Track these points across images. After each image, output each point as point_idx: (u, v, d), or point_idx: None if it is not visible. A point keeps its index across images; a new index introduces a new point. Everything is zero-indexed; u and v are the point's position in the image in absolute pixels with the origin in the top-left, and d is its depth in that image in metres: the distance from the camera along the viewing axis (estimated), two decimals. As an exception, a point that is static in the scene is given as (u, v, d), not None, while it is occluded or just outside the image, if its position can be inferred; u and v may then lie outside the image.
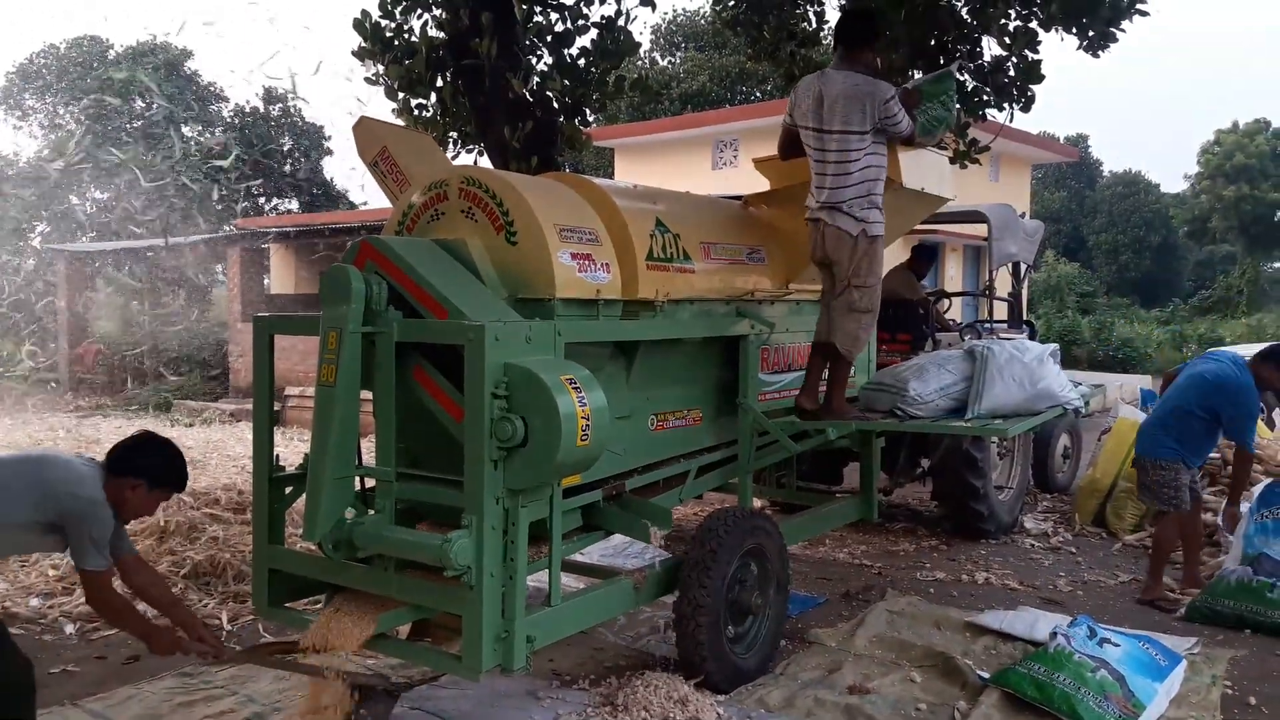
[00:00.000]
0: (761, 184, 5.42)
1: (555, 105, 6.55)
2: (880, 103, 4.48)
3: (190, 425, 13.68)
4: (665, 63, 30.11)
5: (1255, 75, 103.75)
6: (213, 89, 31.77)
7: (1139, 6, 6.58)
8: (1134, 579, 5.92)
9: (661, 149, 20.77)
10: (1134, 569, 6.14)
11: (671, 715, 3.69)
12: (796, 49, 7.83)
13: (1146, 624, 5.08)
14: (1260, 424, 8.90)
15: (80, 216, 27.10)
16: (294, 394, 13.78)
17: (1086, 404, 6.81)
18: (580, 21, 6.69)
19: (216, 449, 10.28)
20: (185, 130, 29.96)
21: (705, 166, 20.01)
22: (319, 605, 3.82)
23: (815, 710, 3.94)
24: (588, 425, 3.18)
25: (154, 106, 28.68)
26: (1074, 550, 6.71)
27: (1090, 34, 6.71)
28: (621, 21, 6.72)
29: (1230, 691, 4.23)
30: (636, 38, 6.89)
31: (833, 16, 8.28)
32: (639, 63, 26.63)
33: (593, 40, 6.72)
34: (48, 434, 12.00)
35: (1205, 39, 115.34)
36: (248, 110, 31.94)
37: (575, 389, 3.20)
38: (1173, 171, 78.53)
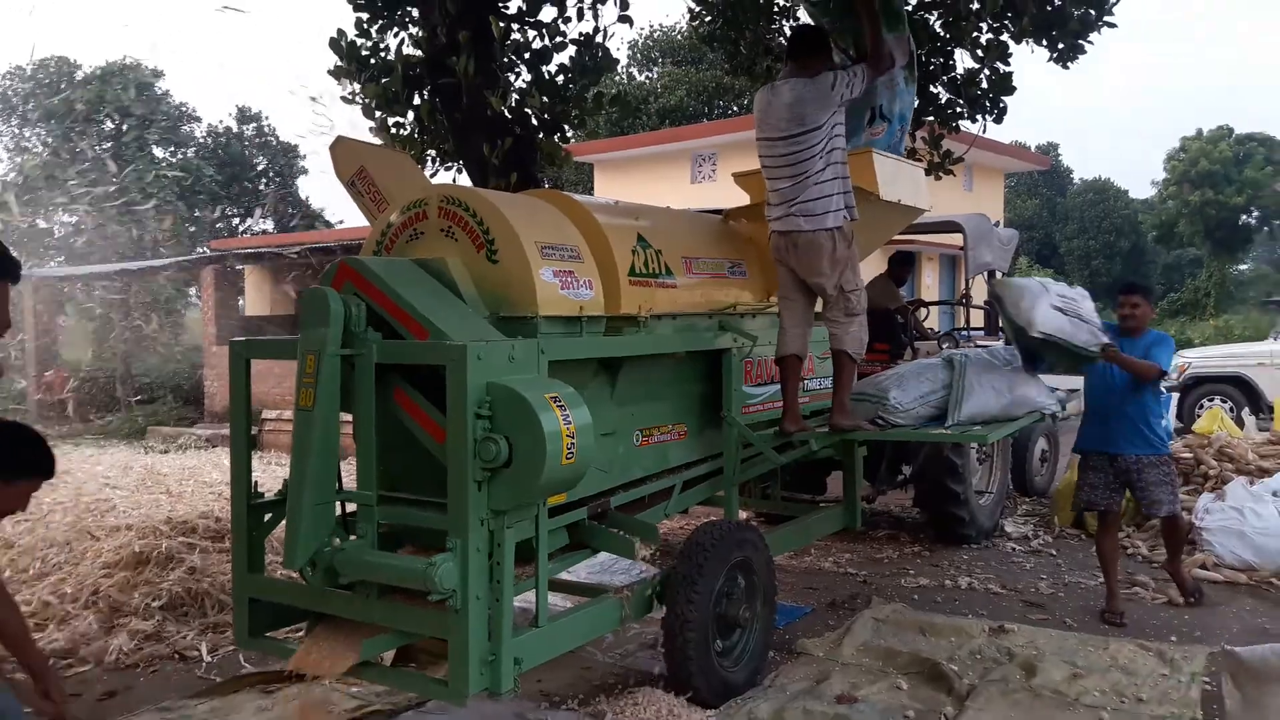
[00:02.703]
0: (741, 198, 5.44)
1: (534, 122, 6.54)
2: (827, 89, 4.49)
3: (165, 452, 13.50)
4: (643, 78, 30.22)
5: (1220, 82, 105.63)
6: (184, 109, 31.59)
7: (1106, 19, 6.69)
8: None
9: (640, 164, 20.84)
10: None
11: (662, 733, 3.66)
12: (773, 64, 7.85)
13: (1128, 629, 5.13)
14: (1229, 423, 9.04)
15: (48, 240, 26.80)
16: (271, 417, 13.65)
17: (1064, 408, 6.87)
18: (558, 39, 6.68)
19: (193, 475, 10.11)
20: (156, 151, 29.73)
21: (684, 181, 20.09)
22: (301, 633, 3.77)
23: (805, 722, 3.93)
24: (573, 443, 3.16)
25: (124, 127, 28.44)
26: (1054, 553, 6.76)
27: (1060, 46, 6.80)
28: (600, 38, 6.72)
29: (1209, 688, 4.25)
30: (614, 54, 6.91)
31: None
32: (616, 78, 26.70)
33: (571, 57, 6.72)
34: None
35: (1172, 47, 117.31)
36: (221, 130, 31.78)
37: (560, 407, 3.18)
38: (1141, 178, 79.63)
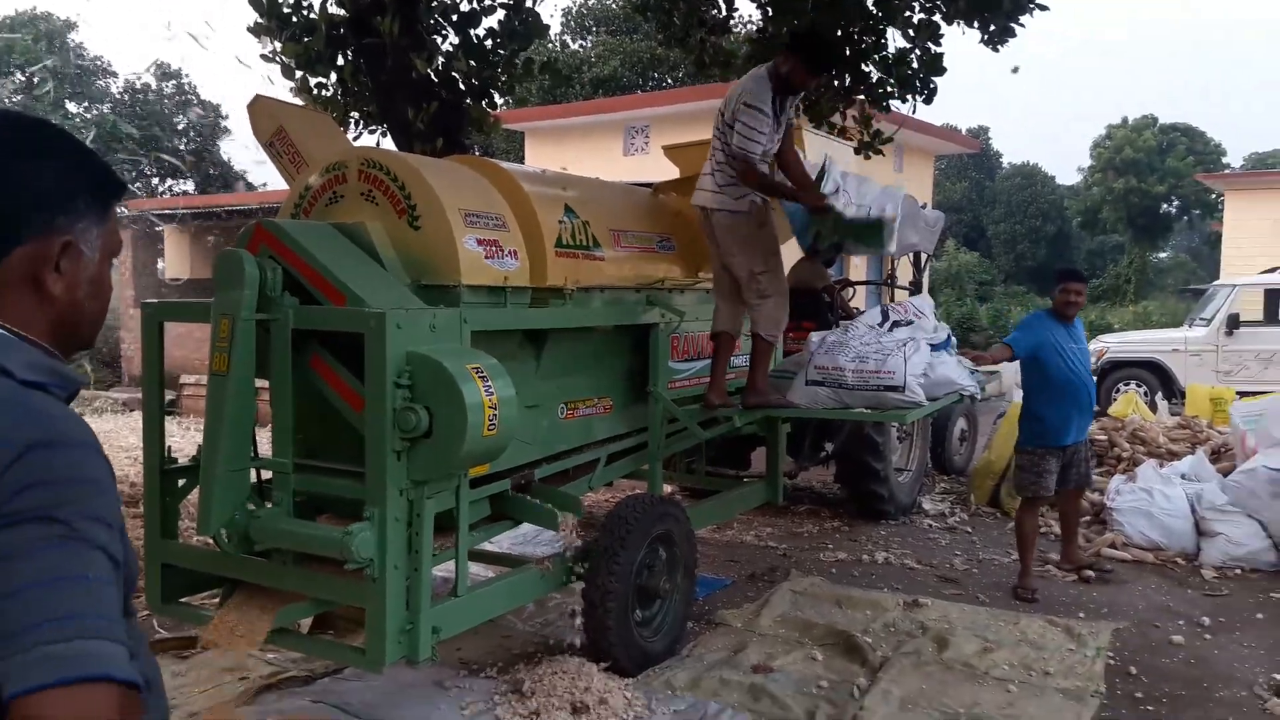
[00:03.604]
0: (672, 171, 5.43)
1: (461, 86, 6.43)
2: (735, 100, 4.49)
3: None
4: (576, 46, 29.88)
5: (1147, 72, 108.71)
6: (100, 63, 30.32)
7: (1038, 1, 6.77)
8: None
9: (573, 133, 20.64)
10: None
11: (579, 700, 3.69)
12: (706, 36, 7.84)
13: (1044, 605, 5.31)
14: (1143, 407, 9.38)
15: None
16: (190, 382, 13.31)
17: (983, 389, 7.02)
18: (487, 2, 6.57)
19: (108, 440, 9.84)
20: (70, 106, 28.54)
21: (617, 152, 19.96)
22: (216, 599, 3.70)
23: (720, 690, 4.00)
24: (495, 415, 3.14)
25: (35, 80, 27.24)
26: (970, 530, 6.94)
27: (991, 28, 6.88)
28: (529, 3, 6.63)
29: (1113, 662, 4.43)
30: (546, 20, 6.82)
31: (742, 5, 8.36)
32: (549, 45, 26.36)
33: (500, 21, 6.61)
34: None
35: (1102, 37, 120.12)
36: (139, 86, 30.63)
37: (482, 378, 3.15)
38: (1068, 164, 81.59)
